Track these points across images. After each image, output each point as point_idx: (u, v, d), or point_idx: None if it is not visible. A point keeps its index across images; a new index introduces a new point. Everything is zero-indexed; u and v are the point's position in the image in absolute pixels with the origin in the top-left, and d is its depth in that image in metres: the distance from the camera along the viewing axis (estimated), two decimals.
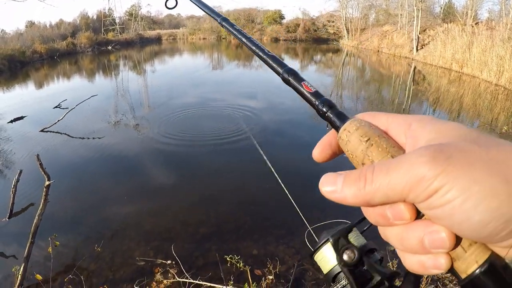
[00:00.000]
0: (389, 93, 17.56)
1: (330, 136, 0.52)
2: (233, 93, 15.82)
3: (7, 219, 5.69)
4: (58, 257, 4.53)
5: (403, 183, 0.36)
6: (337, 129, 0.49)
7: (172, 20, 72.55)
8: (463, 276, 0.38)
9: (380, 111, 0.49)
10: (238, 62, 30.80)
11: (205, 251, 4.67)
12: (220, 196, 6.40)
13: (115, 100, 15.13)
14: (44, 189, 4.89)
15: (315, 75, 22.65)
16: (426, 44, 27.18)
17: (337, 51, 38.57)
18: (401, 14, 33.48)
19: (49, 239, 4.22)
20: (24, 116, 11.83)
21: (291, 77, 0.60)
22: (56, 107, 12.83)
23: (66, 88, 19.47)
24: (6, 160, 8.42)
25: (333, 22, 47.13)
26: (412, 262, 0.41)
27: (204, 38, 56.57)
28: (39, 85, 21.23)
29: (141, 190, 6.71)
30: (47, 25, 47.53)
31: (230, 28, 0.84)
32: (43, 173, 5.10)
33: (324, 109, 0.52)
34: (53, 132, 10.01)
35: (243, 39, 0.78)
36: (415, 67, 24.62)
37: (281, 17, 56.03)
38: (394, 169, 0.37)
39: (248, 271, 3.63)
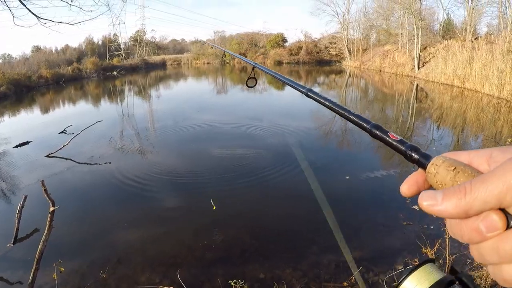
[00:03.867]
0: (393, 111, 17.57)
1: (416, 175, 0.56)
2: (238, 115, 16.04)
3: (12, 245, 5.67)
4: (63, 284, 4.50)
5: (500, 187, 0.40)
6: (424, 167, 0.54)
7: (176, 45, 73.48)
8: None
9: (462, 150, 0.53)
10: (242, 85, 31.04)
11: (211, 275, 4.62)
12: (225, 220, 6.35)
13: (120, 126, 15.22)
14: (49, 215, 4.86)
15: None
16: (427, 61, 27.35)
17: (340, 72, 38.81)
18: (401, 33, 33.81)
19: (54, 265, 4.19)
20: (30, 141, 11.91)
21: (377, 131, 0.68)
22: (61, 132, 12.91)
23: (72, 113, 19.66)
24: (12, 185, 8.45)
25: (335, 43, 47.67)
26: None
27: (208, 63, 57.22)
28: (45, 110, 21.45)
29: (146, 216, 6.68)
30: (53, 50, 48.31)
31: (317, 97, 0.98)
32: (47, 199, 5.08)
33: (411, 153, 0.58)
34: (59, 157, 10.04)
35: (330, 105, 0.88)
36: (417, 85, 24.72)
37: (284, 40, 56.77)
38: (490, 178, 0.41)
39: None
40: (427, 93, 22.36)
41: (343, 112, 0.80)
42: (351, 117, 0.76)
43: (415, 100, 20.07)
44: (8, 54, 51.28)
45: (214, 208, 6.53)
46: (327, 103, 0.89)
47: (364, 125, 0.72)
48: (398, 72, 30.88)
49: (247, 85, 1.95)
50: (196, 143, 11.28)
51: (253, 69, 1.84)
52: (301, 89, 1.09)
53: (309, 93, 1.02)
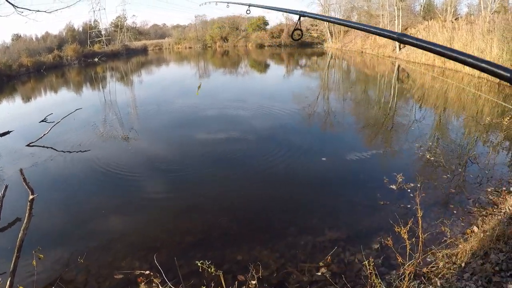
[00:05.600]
0: (375, 93, 17.70)
1: None
2: (219, 99, 16.03)
3: None
4: (43, 270, 4.54)
5: None
6: None
7: (157, 30, 72.36)
8: None
9: None
10: (224, 70, 30.88)
11: (190, 259, 4.67)
12: (206, 204, 6.43)
13: (101, 113, 15.09)
14: (28, 203, 4.88)
15: (301, 78, 22.76)
16: None
17: (321, 54, 38.83)
18: (382, 15, 33.85)
19: (33, 252, 4.22)
20: (11, 131, 11.76)
21: (405, 37, 0.77)
22: (42, 121, 12.78)
23: (53, 101, 19.45)
24: None
25: (316, 25, 47.45)
26: None
27: (190, 47, 56.53)
28: (26, 99, 21.14)
29: (127, 202, 6.71)
30: (33, 38, 47.16)
31: (411, 40, 1.00)
32: (26, 187, 5.09)
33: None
34: (39, 146, 9.98)
35: (428, 45, 0.91)
36: (399, 66, 24.90)
37: (265, 23, 56.44)
38: None
39: (221, 275, 3.57)
40: (408, 73, 22.56)
41: (443, 51, 0.81)
42: (451, 53, 0.76)
43: (396, 81, 20.25)
44: None
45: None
46: (423, 44, 0.90)
47: (392, 35, 0.74)
48: (379, 53, 31.00)
49: (292, 38, 1.83)
50: (177, 129, 11.32)
51: (299, 19, 1.78)
52: (392, 35, 1.05)
53: (402, 38, 1.02)
